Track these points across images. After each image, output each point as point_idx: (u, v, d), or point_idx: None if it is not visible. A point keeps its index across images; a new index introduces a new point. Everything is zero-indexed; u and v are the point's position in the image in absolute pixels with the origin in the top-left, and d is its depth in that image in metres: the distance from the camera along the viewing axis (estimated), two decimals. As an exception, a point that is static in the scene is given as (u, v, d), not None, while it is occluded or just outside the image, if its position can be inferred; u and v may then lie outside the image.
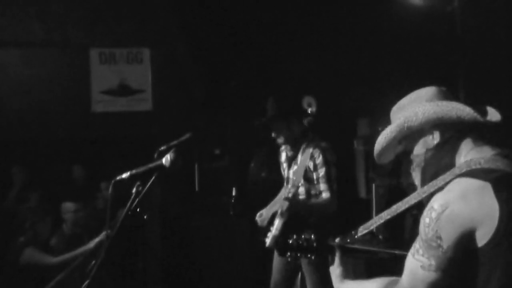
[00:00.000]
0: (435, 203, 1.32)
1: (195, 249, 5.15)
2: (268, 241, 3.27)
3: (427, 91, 1.47)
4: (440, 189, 1.35)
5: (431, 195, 1.36)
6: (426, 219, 1.32)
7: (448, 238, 1.28)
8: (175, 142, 2.59)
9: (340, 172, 3.34)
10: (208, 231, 5.15)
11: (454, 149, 1.40)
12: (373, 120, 5.38)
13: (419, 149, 1.46)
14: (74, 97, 5.96)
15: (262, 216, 3.42)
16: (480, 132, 1.41)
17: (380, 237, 4.27)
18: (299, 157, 3.29)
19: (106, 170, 3.31)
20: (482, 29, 4.86)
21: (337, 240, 1.64)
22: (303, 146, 3.29)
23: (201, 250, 5.11)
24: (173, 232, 5.31)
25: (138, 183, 2.28)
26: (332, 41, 5.47)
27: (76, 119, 5.92)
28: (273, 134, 3.34)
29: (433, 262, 1.30)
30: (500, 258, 1.25)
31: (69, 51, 5.97)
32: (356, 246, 1.57)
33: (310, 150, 3.24)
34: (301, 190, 3.27)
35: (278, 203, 3.40)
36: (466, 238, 1.27)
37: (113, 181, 2.38)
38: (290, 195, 3.20)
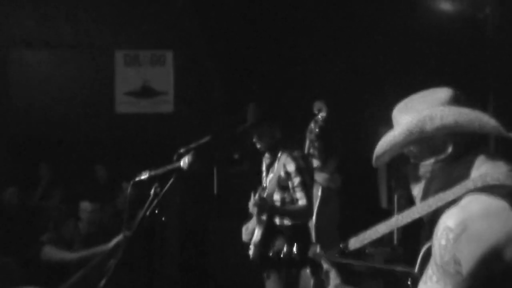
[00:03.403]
0: (450, 221, 1.15)
1: (212, 252, 5.16)
2: (251, 253, 3.26)
3: (443, 94, 1.29)
4: (449, 204, 1.20)
5: (436, 210, 1.22)
6: (442, 240, 1.15)
7: (469, 263, 1.11)
8: (194, 145, 2.59)
9: (361, 181, 3.30)
10: (226, 234, 5.16)
11: (469, 162, 1.24)
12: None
13: (427, 158, 1.28)
14: (99, 98, 6.07)
15: (248, 229, 3.38)
16: (489, 147, 1.29)
17: (367, 251, 3.96)
18: (275, 165, 3.29)
19: (127, 170, 3.36)
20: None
21: (320, 251, 1.45)
22: (279, 154, 3.28)
23: (218, 253, 5.12)
24: (191, 235, 5.33)
25: (156, 184, 2.30)
26: (359, 47, 5.41)
27: (100, 119, 6.03)
28: (254, 139, 3.30)
29: None
30: None
31: (95, 53, 6.08)
32: (346, 260, 1.40)
33: (284, 158, 3.24)
34: (276, 197, 3.25)
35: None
36: (490, 263, 1.10)
37: (132, 182, 2.41)
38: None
